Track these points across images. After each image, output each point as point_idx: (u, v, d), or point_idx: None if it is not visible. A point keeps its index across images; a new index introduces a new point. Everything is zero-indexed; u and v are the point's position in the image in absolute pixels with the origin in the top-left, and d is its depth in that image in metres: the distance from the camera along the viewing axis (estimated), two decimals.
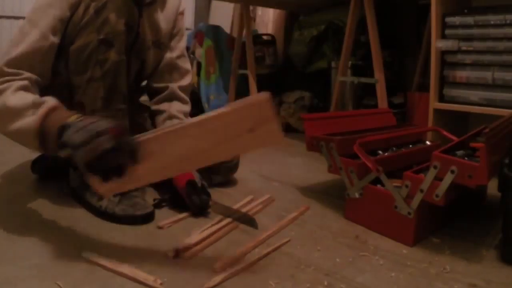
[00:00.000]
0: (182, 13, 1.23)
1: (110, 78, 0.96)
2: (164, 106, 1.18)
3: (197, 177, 1.03)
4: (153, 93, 1.22)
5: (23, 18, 3.35)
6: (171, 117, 1.15)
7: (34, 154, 1.24)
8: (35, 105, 0.82)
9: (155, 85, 1.20)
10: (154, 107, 1.20)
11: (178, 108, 1.19)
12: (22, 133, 0.82)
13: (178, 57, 1.22)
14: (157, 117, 1.18)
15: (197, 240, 0.85)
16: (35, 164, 1.24)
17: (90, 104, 0.93)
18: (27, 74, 0.88)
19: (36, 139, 0.80)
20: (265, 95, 0.72)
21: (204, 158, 0.77)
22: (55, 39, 0.93)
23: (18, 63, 0.88)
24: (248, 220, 0.96)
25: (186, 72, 1.24)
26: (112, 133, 0.69)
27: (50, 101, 0.83)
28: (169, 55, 1.20)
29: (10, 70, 0.87)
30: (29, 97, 0.84)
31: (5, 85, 0.85)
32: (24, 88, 0.86)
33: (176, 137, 0.74)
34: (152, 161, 0.74)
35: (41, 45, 0.91)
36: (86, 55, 0.93)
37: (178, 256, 0.80)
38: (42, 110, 0.80)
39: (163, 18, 1.14)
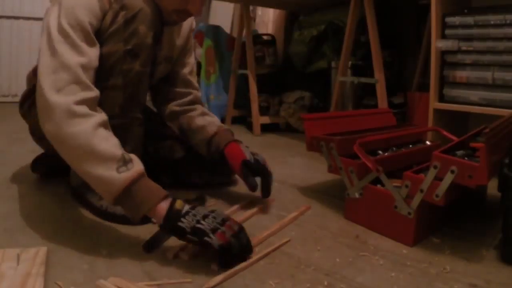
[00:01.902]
0: (193, 29, 1.25)
1: (131, 88, 0.95)
2: (190, 107, 1.22)
3: (247, 154, 1.09)
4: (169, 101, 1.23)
5: (23, 18, 3.33)
6: (203, 114, 1.21)
7: (34, 154, 1.24)
8: (123, 161, 0.79)
9: (167, 98, 1.22)
10: (179, 108, 1.21)
11: (204, 110, 1.24)
12: (98, 181, 0.79)
13: (190, 73, 1.25)
14: (190, 114, 1.20)
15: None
16: (36, 164, 1.24)
17: (107, 110, 0.89)
18: (96, 91, 0.84)
19: (113, 196, 0.79)
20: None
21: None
22: (98, 44, 0.90)
23: (87, 72, 0.84)
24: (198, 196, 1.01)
25: (196, 89, 1.27)
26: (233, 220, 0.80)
27: (138, 163, 0.82)
28: (183, 71, 1.22)
29: (86, 81, 0.82)
30: (115, 144, 0.81)
31: (86, 111, 0.80)
32: (103, 124, 0.83)
33: None
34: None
35: (94, 51, 0.88)
36: (110, 63, 0.92)
37: (178, 256, 0.80)
38: (130, 174, 0.79)
39: (179, 35, 1.16)
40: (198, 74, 2.61)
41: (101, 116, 0.84)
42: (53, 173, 1.22)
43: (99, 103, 0.88)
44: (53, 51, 0.82)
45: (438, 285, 0.75)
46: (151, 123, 1.21)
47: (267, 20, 3.00)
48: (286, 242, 0.89)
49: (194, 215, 0.77)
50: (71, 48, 0.83)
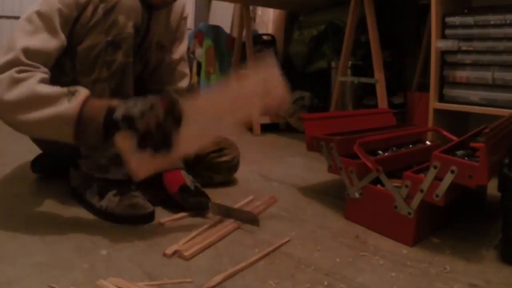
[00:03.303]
0: (185, 18, 1.23)
1: (116, 79, 0.96)
2: None
3: (188, 180, 1.03)
4: (147, 93, 1.22)
5: None
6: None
7: (34, 154, 1.24)
8: (70, 93, 0.83)
9: (152, 86, 1.20)
10: None
11: None
12: (55, 120, 0.82)
13: (178, 60, 1.23)
14: None
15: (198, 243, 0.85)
16: (35, 164, 1.24)
17: None
18: (43, 69, 0.88)
19: (72, 125, 0.82)
20: (269, 58, 0.92)
21: (231, 119, 0.90)
22: (63, 37, 0.92)
23: (34, 56, 0.86)
24: (250, 219, 0.96)
25: (184, 76, 1.25)
26: (162, 106, 0.82)
27: (84, 89, 0.85)
28: (169, 58, 1.20)
29: (27, 61, 0.85)
30: (58, 87, 0.84)
31: (26, 74, 0.84)
32: (45, 81, 0.86)
33: (214, 98, 0.90)
34: (192, 126, 0.85)
35: (53, 42, 0.90)
36: (93, 56, 0.93)
37: (179, 256, 0.80)
38: (80, 97, 0.82)
39: (169, 22, 1.15)
40: (198, 74, 2.61)
41: (42, 74, 0.85)
42: (53, 173, 1.22)
43: None
44: (11, 37, 0.86)
45: (438, 285, 0.75)
46: None
47: (267, 20, 3.00)
48: (286, 242, 0.89)
49: (125, 106, 0.82)
50: (26, 34, 0.87)
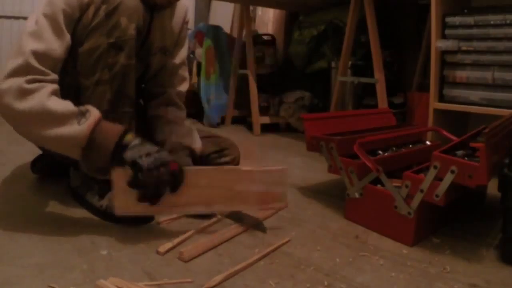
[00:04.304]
0: (187, 23, 1.24)
1: (118, 81, 0.95)
2: (161, 111, 1.17)
3: None
4: (149, 97, 1.21)
5: (23, 18, 3.34)
6: (169, 122, 1.15)
7: (34, 154, 1.24)
8: (81, 114, 0.83)
9: (154, 89, 1.20)
10: (150, 112, 1.20)
11: (174, 114, 1.18)
12: (64, 140, 0.82)
13: (179, 65, 1.23)
14: (155, 122, 1.18)
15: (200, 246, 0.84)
16: (35, 164, 1.24)
17: (96, 106, 0.91)
18: (53, 76, 0.87)
19: (80, 148, 0.82)
20: (284, 169, 0.96)
21: (222, 203, 0.93)
22: (69, 37, 0.92)
23: (43, 58, 0.86)
24: (256, 224, 0.96)
25: (183, 80, 1.25)
26: (172, 167, 0.84)
27: (95, 111, 0.85)
28: (171, 62, 1.20)
29: (37, 66, 0.84)
30: (69, 104, 0.84)
31: (37, 84, 0.83)
32: (56, 94, 0.86)
33: (215, 174, 0.92)
34: (184, 193, 0.88)
35: (61, 43, 0.90)
36: (95, 58, 0.92)
37: (178, 258, 0.80)
38: (91, 121, 0.83)
39: (171, 25, 1.15)
40: (198, 74, 2.61)
41: (52, 85, 0.86)
42: (53, 173, 1.22)
43: (88, 100, 0.90)
44: (19, 40, 0.86)
45: (438, 285, 0.75)
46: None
47: (267, 20, 3.00)
48: (286, 242, 0.89)
49: (139, 150, 0.83)
50: (34, 37, 0.86)
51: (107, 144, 0.83)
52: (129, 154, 0.82)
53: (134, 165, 0.81)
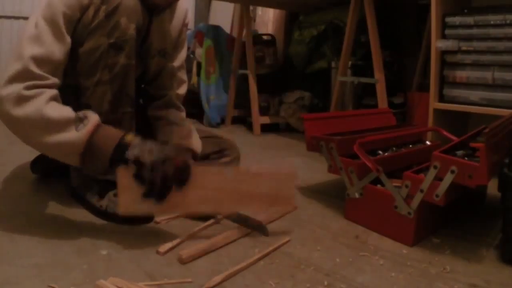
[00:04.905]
0: (186, 25, 1.24)
1: (119, 81, 0.95)
2: (161, 113, 1.18)
3: None
4: (149, 98, 1.22)
5: (23, 18, 3.34)
6: (169, 123, 1.16)
7: (34, 154, 1.24)
8: (79, 120, 0.82)
9: (154, 92, 1.20)
10: (151, 113, 1.20)
11: (175, 115, 1.19)
12: (63, 146, 0.82)
13: (179, 68, 1.23)
14: (156, 123, 1.18)
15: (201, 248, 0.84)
16: (35, 164, 1.24)
17: (97, 106, 0.91)
18: (53, 80, 0.87)
19: (78, 154, 0.82)
20: (292, 172, 0.98)
21: (229, 204, 0.91)
22: (69, 39, 0.92)
23: (43, 63, 0.86)
24: (258, 227, 0.96)
25: (182, 83, 1.25)
26: (177, 163, 0.83)
27: (94, 116, 0.84)
28: (171, 65, 1.20)
29: (37, 71, 0.84)
30: (67, 110, 0.84)
31: (36, 91, 0.82)
32: (55, 99, 0.85)
33: (223, 174, 0.91)
34: (191, 192, 0.86)
35: (61, 45, 0.89)
36: (95, 58, 0.92)
37: (178, 260, 0.79)
38: (89, 127, 0.82)
39: (171, 27, 1.15)
40: (198, 74, 2.60)
41: (51, 91, 0.85)
42: (53, 173, 1.22)
43: (88, 101, 0.90)
44: (18, 44, 0.86)
45: (438, 285, 0.75)
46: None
47: (267, 20, 3.00)
48: (286, 242, 0.89)
49: (141, 148, 0.82)
50: (33, 41, 0.86)
51: (107, 148, 0.82)
52: (131, 153, 0.81)
53: (138, 162, 0.81)
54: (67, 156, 0.84)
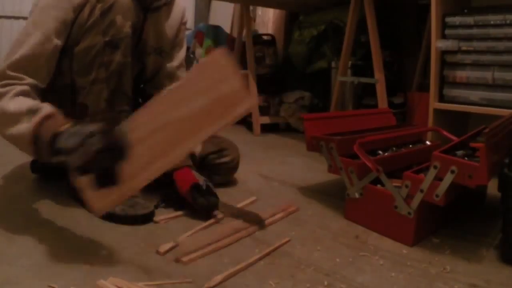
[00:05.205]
0: (184, 24, 1.23)
1: (115, 79, 0.96)
2: None
3: (201, 180, 1.01)
4: (148, 98, 1.22)
5: (23, 18, 3.35)
6: None
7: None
8: (31, 112, 0.82)
9: (153, 91, 1.20)
10: None
11: None
12: (17, 138, 0.83)
13: (178, 67, 1.23)
14: None
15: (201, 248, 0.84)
16: (35, 164, 1.24)
17: (93, 105, 0.92)
18: (28, 80, 0.88)
19: (30, 145, 0.81)
20: (221, 51, 0.77)
21: (185, 138, 0.77)
22: (58, 42, 0.92)
23: (21, 65, 0.88)
24: (256, 221, 0.95)
25: None
26: (103, 135, 0.71)
27: (46, 108, 0.83)
28: (170, 64, 1.20)
29: (12, 74, 0.86)
30: (26, 103, 0.84)
31: (6, 88, 0.85)
32: (23, 94, 0.86)
33: (154, 111, 0.78)
34: (141, 151, 0.74)
35: (45, 48, 0.90)
36: (91, 57, 0.93)
37: (179, 261, 0.79)
38: (36, 118, 0.81)
39: (167, 26, 1.15)
40: None
41: (21, 87, 0.86)
42: (53, 173, 1.22)
43: (84, 99, 0.91)
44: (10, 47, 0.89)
45: (438, 285, 0.75)
46: None
47: (267, 20, 3.00)
48: (286, 242, 0.89)
49: (64, 136, 0.74)
50: (18, 44, 0.89)
51: (46, 139, 0.77)
52: (57, 143, 0.74)
53: (63, 149, 0.73)
54: (24, 148, 0.84)
